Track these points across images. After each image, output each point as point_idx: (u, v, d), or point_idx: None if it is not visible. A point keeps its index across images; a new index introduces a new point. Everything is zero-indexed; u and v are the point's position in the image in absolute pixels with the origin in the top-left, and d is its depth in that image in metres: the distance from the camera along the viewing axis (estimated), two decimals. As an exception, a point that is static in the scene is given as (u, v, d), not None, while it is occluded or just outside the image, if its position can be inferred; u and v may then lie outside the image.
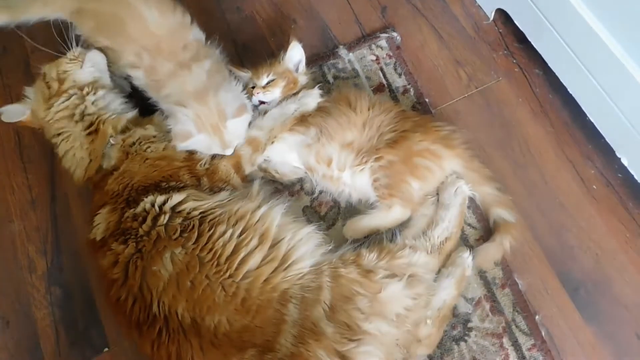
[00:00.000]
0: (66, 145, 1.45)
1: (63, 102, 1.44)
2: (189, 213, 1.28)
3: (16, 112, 1.47)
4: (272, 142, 1.47)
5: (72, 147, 1.44)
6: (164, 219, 1.26)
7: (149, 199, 1.30)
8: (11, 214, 1.63)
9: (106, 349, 1.46)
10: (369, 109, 1.45)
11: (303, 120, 1.47)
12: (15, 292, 1.53)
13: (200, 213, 1.28)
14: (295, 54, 1.55)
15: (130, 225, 1.27)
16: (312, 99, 1.48)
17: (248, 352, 1.16)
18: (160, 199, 1.29)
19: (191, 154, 1.42)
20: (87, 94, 1.46)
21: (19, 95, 1.77)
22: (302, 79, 1.56)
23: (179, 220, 1.26)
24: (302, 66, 1.57)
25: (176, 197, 1.30)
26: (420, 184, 1.41)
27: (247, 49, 1.78)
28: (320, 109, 1.47)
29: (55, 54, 1.54)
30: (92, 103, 1.46)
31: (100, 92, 1.48)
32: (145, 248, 1.24)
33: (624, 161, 1.44)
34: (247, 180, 1.46)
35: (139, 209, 1.29)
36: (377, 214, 1.43)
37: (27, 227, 1.61)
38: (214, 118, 1.35)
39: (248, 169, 1.46)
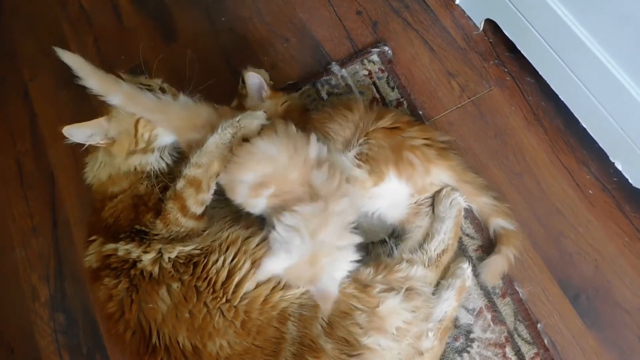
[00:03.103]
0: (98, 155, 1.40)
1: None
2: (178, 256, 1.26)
3: None
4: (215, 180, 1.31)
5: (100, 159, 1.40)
6: (154, 268, 1.24)
7: (126, 246, 1.25)
8: (13, 242, 1.65)
9: (110, 374, 1.47)
10: (365, 109, 1.44)
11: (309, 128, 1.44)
12: (19, 320, 1.55)
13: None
14: (252, 82, 1.53)
15: (120, 265, 1.25)
16: (252, 119, 1.31)
17: (250, 374, 1.17)
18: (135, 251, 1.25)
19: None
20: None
21: (19, 126, 1.81)
22: (267, 103, 1.53)
23: (169, 265, 1.24)
24: (265, 91, 1.54)
25: (146, 257, 1.24)
26: (398, 177, 1.37)
27: (241, 69, 1.80)
28: (321, 116, 1.47)
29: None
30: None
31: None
32: (139, 283, 1.22)
33: (618, 165, 1.44)
34: (202, 219, 1.32)
35: (120, 252, 1.25)
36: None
37: (29, 255, 1.62)
38: (306, 277, 1.20)
39: (197, 210, 1.29)
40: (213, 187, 1.31)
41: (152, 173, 1.36)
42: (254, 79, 1.52)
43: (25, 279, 1.60)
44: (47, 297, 1.57)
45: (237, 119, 1.30)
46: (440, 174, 1.44)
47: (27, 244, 1.64)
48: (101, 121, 1.33)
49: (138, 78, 1.43)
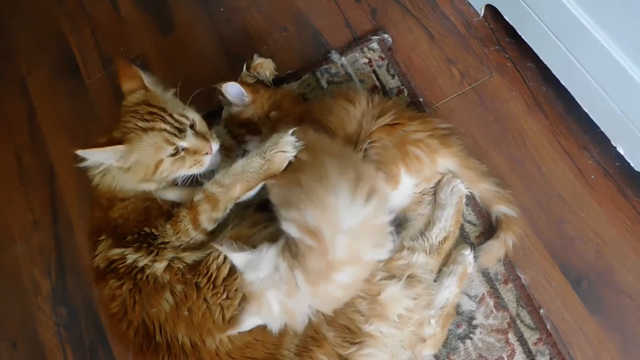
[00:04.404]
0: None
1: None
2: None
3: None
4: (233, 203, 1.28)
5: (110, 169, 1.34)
6: (165, 275, 1.23)
7: (134, 255, 1.24)
8: (14, 236, 1.65)
9: (113, 366, 1.48)
10: (367, 102, 1.43)
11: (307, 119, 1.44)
12: (22, 314, 1.56)
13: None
14: (232, 92, 1.52)
15: (126, 270, 1.23)
16: (278, 147, 1.24)
17: (251, 368, 1.17)
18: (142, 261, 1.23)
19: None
20: None
21: (17, 121, 1.82)
22: (251, 107, 1.54)
23: (181, 265, 1.23)
24: (246, 97, 1.53)
25: (157, 265, 1.22)
26: (407, 173, 1.37)
27: (239, 60, 1.79)
28: (320, 107, 1.46)
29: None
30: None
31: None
32: (143, 287, 1.21)
33: (620, 150, 1.43)
34: (208, 235, 1.29)
35: (128, 260, 1.23)
36: None
37: (30, 249, 1.63)
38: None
39: (208, 226, 1.27)
40: (229, 209, 1.28)
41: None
42: (232, 88, 1.52)
43: (26, 273, 1.60)
44: (49, 291, 1.57)
45: (264, 149, 1.25)
46: (445, 162, 1.44)
47: (28, 238, 1.64)
48: (119, 148, 1.25)
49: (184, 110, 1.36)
